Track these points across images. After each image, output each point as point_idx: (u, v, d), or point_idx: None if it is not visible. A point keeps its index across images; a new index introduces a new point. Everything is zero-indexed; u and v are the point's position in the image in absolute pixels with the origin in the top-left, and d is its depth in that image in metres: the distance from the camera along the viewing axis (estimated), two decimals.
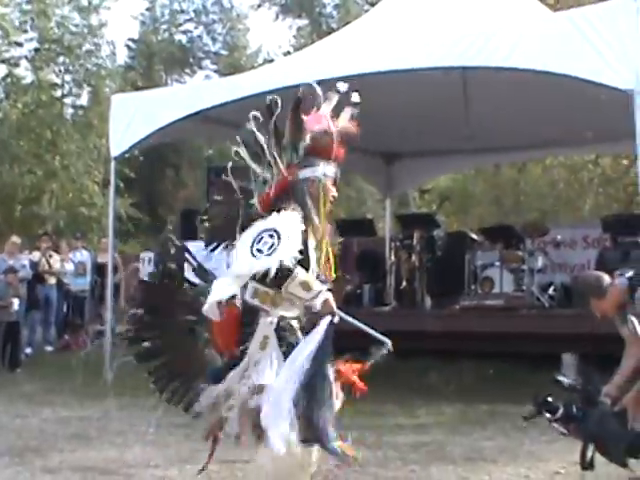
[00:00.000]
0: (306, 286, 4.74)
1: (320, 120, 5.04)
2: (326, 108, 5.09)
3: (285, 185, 4.98)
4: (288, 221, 4.80)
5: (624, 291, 5.76)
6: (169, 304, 5.45)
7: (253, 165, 5.03)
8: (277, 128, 5.05)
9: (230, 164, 5.09)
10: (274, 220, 4.82)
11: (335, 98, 5.14)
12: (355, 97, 5.19)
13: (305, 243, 4.87)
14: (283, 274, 4.67)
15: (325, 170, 4.98)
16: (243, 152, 5.04)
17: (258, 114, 5.01)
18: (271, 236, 4.75)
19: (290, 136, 5.01)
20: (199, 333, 5.28)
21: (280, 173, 4.98)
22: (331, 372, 4.85)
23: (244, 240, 4.85)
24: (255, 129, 5.03)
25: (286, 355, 4.80)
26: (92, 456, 7.19)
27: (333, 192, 5.01)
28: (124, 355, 5.39)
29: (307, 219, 4.91)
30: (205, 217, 5.39)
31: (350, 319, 4.98)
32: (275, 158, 4.99)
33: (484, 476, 6.31)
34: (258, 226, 4.84)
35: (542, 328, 11.02)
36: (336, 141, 4.98)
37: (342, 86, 5.19)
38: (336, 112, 5.11)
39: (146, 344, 5.41)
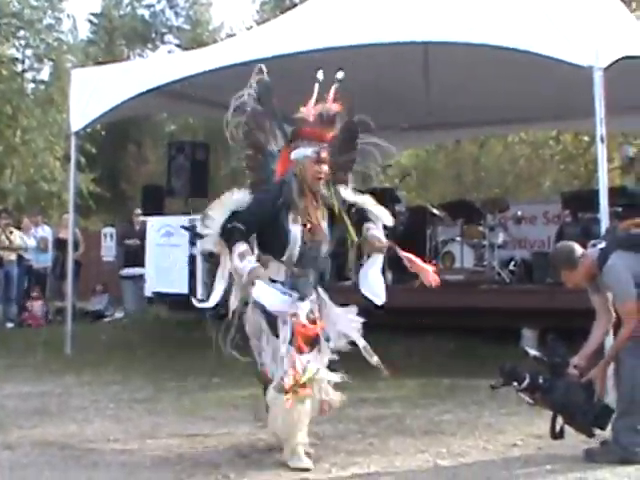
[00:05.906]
0: (242, 256, 5.53)
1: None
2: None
3: (287, 164, 5.76)
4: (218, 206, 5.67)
5: (595, 262, 5.82)
6: None
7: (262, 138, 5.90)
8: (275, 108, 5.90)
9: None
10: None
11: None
12: (339, 74, 5.90)
13: (280, 218, 5.64)
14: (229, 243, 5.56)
15: (305, 152, 5.61)
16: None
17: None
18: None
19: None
20: None
21: (283, 149, 5.83)
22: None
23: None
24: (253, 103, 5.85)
25: None
26: (52, 431, 7.16)
27: (316, 170, 5.67)
28: None
29: (289, 198, 5.66)
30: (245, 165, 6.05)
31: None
32: (284, 135, 5.86)
33: (442, 449, 6.34)
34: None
35: (502, 303, 11.05)
36: (316, 124, 5.61)
37: (320, 75, 5.88)
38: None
39: None
